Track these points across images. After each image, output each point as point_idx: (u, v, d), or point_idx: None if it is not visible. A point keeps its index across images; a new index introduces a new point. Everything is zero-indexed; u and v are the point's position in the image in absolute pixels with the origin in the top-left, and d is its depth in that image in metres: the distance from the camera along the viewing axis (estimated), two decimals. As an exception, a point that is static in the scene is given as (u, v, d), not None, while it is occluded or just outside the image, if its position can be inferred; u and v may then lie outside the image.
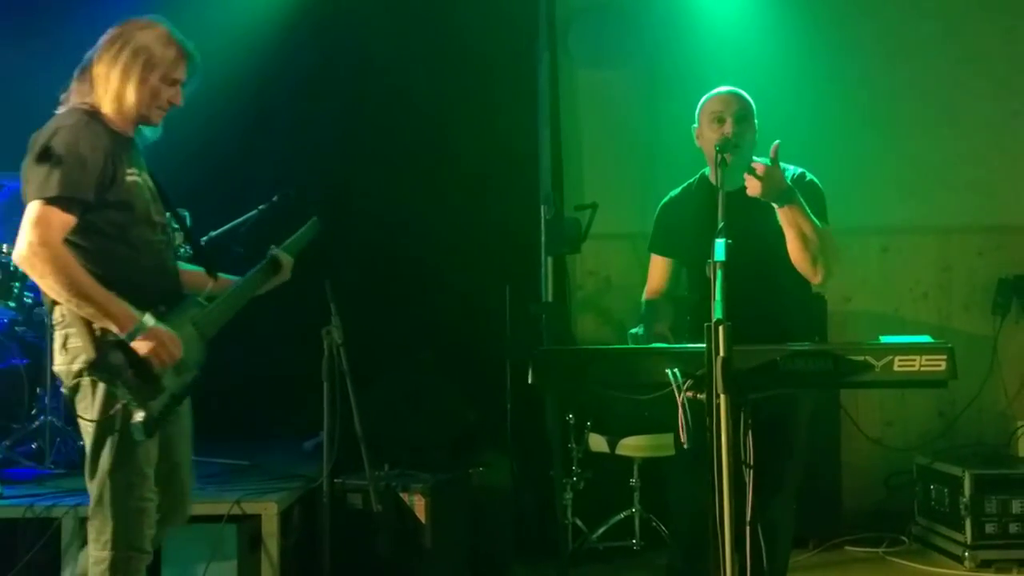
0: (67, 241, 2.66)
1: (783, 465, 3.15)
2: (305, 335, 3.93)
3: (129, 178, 2.77)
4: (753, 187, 2.93)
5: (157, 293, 2.76)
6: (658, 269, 3.42)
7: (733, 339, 2.34)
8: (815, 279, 3.11)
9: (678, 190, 3.41)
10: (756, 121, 3.24)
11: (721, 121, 3.16)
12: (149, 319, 2.63)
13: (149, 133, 2.93)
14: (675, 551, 3.47)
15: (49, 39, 5.17)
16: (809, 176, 3.26)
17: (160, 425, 2.67)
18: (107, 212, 2.71)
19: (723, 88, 3.26)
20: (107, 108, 2.79)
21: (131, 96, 2.78)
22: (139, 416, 2.57)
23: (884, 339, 2.51)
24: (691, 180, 3.40)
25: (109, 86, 2.78)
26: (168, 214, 2.96)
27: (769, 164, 2.96)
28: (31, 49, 5.17)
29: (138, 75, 2.78)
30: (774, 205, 3.00)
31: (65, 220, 2.63)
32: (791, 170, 3.28)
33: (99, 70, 2.80)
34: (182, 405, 2.86)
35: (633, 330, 3.13)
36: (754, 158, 3.26)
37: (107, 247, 2.72)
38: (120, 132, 2.82)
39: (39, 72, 5.13)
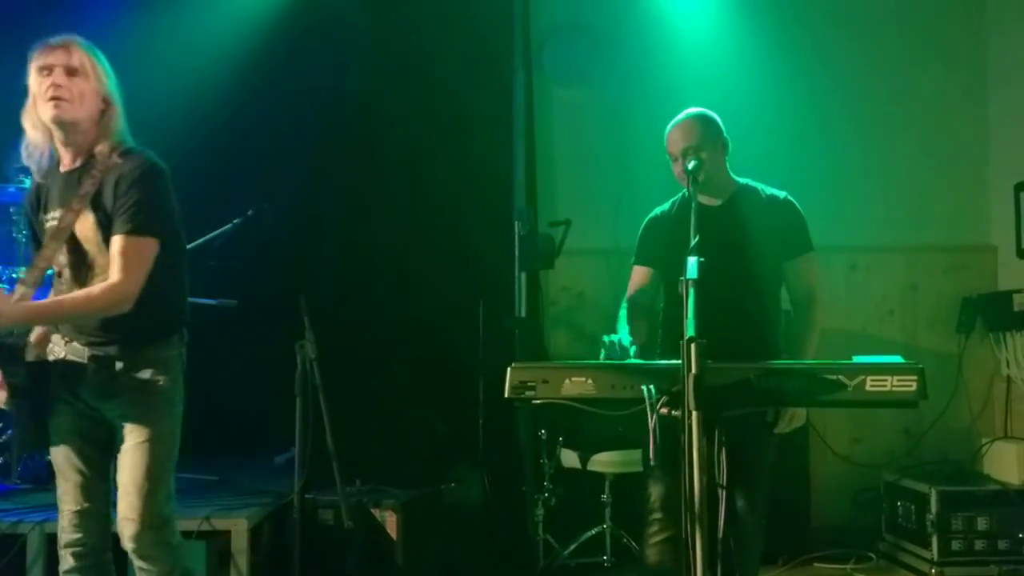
0: None
1: (752, 482, 3.17)
2: (278, 349, 3.91)
3: (47, 224, 2.91)
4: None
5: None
6: (638, 279, 3.46)
7: (707, 355, 2.36)
8: None
9: (665, 205, 3.46)
10: (725, 135, 3.30)
11: (676, 160, 3.25)
12: None
13: (119, 139, 2.90)
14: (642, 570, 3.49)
15: (23, 59, 5.15)
16: (790, 200, 3.34)
17: (27, 445, 3.11)
18: None
19: (678, 118, 3.31)
20: (23, 157, 2.94)
21: (28, 129, 2.90)
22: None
23: (856, 359, 2.53)
24: (675, 197, 3.45)
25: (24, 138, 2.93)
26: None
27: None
28: (6, 65, 5.14)
29: (28, 109, 2.90)
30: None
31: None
32: (773, 193, 3.34)
33: None
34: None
35: (607, 337, 3.15)
36: (738, 180, 3.32)
37: None
38: (40, 178, 2.96)
39: (11, 92, 5.15)
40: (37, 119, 2.86)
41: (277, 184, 5.27)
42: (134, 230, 2.77)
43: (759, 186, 3.38)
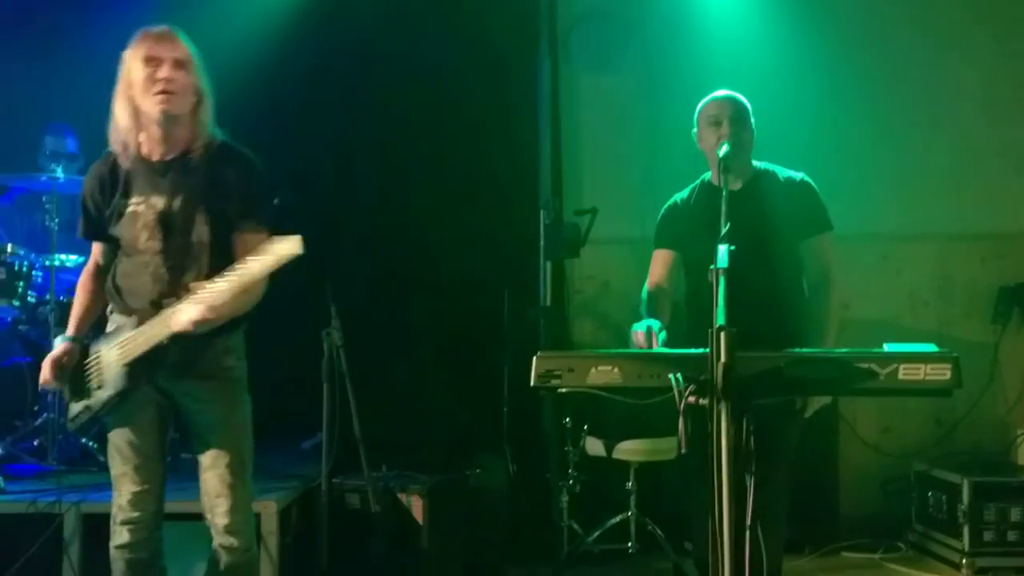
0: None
1: (775, 466, 3.16)
2: (305, 337, 3.94)
3: (125, 209, 2.94)
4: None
5: (138, 306, 2.94)
6: (660, 262, 3.46)
7: (744, 338, 2.35)
8: None
9: (683, 192, 3.49)
10: (753, 121, 3.33)
11: (718, 124, 3.27)
12: (59, 339, 3.04)
13: (209, 128, 2.95)
14: (698, 545, 3.49)
15: (55, 50, 5.22)
16: (807, 180, 3.35)
17: (82, 426, 3.07)
18: (114, 240, 3.02)
19: (719, 92, 3.37)
20: (112, 140, 2.96)
21: (121, 116, 2.91)
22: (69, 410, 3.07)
23: (888, 347, 2.51)
24: (694, 184, 3.46)
25: (113, 118, 2.95)
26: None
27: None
28: (37, 60, 5.21)
29: (121, 92, 2.91)
30: None
31: (94, 249, 3.13)
32: (790, 174, 3.33)
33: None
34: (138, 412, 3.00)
35: (636, 325, 3.14)
36: (755, 163, 3.32)
37: (118, 261, 3.05)
38: (127, 163, 2.95)
39: (45, 82, 5.21)
40: (133, 107, 2.88)
41: (304, 173, 5.28)
42: (261, 225, 2.92)
43: (776, 168, 3.39)
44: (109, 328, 3.02)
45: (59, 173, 4.58)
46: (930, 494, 4.95)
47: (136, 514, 2.99)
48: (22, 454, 4.40)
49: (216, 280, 2.68)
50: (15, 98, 5.27)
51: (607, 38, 5.59)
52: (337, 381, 3.79)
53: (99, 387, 2.95)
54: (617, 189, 5.50)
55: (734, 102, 3.32)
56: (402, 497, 4.06)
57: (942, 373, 2.42)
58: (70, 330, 3.04)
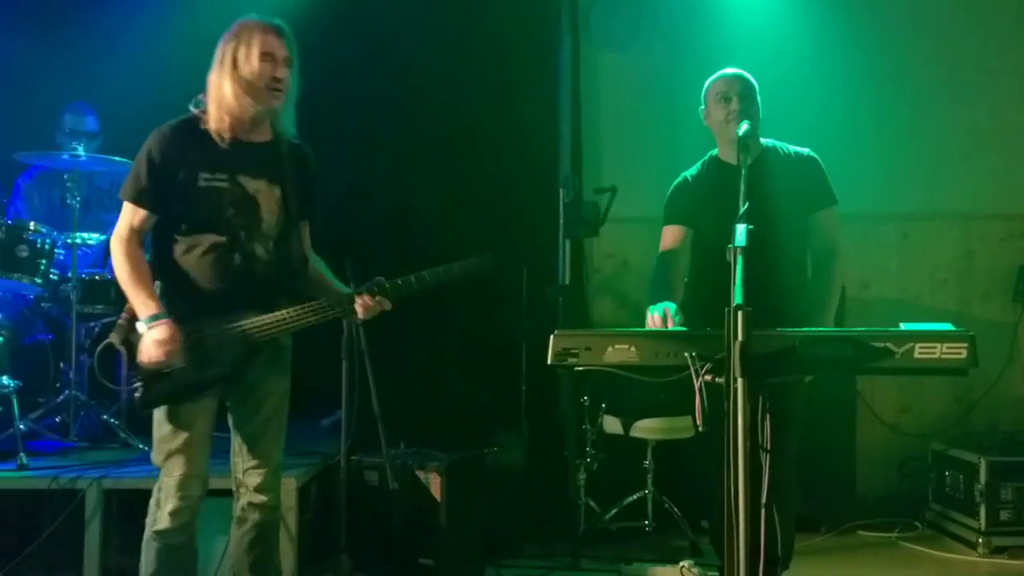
0: (158, 233, 2.99)
1: (783, 437, 3.16)
2: (325, 314, 3.95)
3: (203, 183, 2.91)
4: None
5: (212, 292, 2.94)
6: (669, 238, 3.47)
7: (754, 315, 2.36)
8: None
9: (692, 169, 3.50)
10: (759, 100, 3.35)
11: (727, 100, 3.30)
12: (147, 321, 2.87)
13: (287, 125, 3.06)
14: (714, 521, 3.51)
15: (72, 28, 5.25)
16: (813, 155, 3.38)
17: (159, 402, 2.96)
18: (174, 212, 2.94)
19: (727, 70, 3.39)
20: (212, 111, 2.94)
21: (227, 92, 2.91)
22: (137, 389, 2.94)
23: (905, 326, 2.51)
24: (701, 161, 3.46)
25: (212, 90, 2.94)
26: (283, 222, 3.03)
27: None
28: (55, 38, 5.24)
29: (228, 71, 2.91)
30: None
31: (134, 215, 2.94)
32: (797, 150, 3.37)
33: (210, 79, 2.96)
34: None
35: (652, 307, 3.14)
36: (761, 140, 3.30)
37: (174, 243, 2.96)
38: (215, 137, 2.93)
39: (62, 60, 5.23)
40: (240, 90, 2.90)
41: (323, 152, 5.28)
42: (316, 218, 3.16)
43: (781, 145, 3.40)
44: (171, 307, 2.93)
45: (81, 151, 4.61)
46: (947, 473, 4.95)
47: (185, 502, 2.99)
48: (44, 431, 4.42)
49: (406, 278, 3.03)
50: (33, 76, 5.31)
51: (627, 16, 5.56)
52: (356, 359, 3.81)
53: (200, 366, 2.92)
54: (637, 167, 5.48)
55: (743, 79, 3.34)
56: (420, 474, 4.08)
57: (958, 352, 2.41)
58: (156, 307, 2.87)
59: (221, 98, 2.92)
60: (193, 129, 2.95)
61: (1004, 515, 4.62)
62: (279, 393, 3.16)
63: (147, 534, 3.04)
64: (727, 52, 4.89)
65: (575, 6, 5.53)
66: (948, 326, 2.51)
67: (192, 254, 2.94)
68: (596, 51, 5.61)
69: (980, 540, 4.62)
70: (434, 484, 4.06)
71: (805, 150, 3.40)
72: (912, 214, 5.48)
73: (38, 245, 4.42)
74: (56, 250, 4.52)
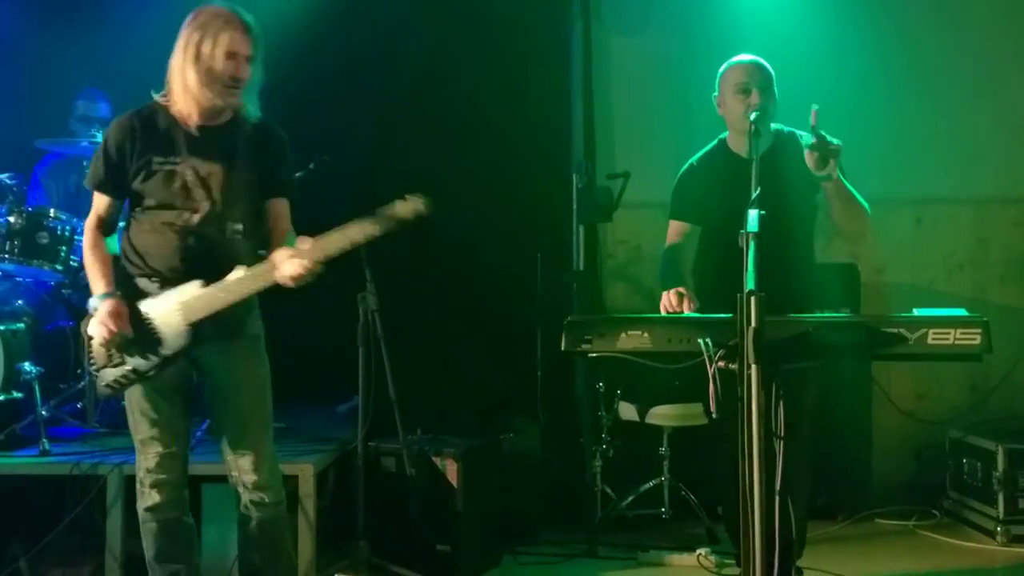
0: (128, 216, 3.10)
1: (795, 421, 3.17)
2: (341, 301, 3.98)
3: (155, 167, 2.99)
4: (812, 161, 3.02)
5: (167, 273, 3.00)
6: (674, 234, 3.46)
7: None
8: (860, 242, 3.17)
9: (697, 157, 3.45)
10: (774, 81, 3.30)
11: (747, 92, 3.24)
12: (97, 299, 2.97)
13: (249, 109, 3.06)
14: (728, 508, 3.51)
15: (89, 15, 5.26)
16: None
17: (117, 390, 3.06)
18: (134, 196, 3.05)
19: (744, 57, 3.32)
20: (175, 98, 2.99)
21: (190, 80, 2.95)
22: (100, 376, 3.06)
23: (918, 312, 2.50)
24: (710, 146, 3.43)
25: (174, 75, 2.98)
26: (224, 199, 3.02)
27: (815, 139, 3.00)
28: (72, 25, 5.26)
29: (191, 59, 2.94)
30: (822, 175, 3.04)
31: (98, 202, 3.10)
32: (806, 135, 3.29)
33: (172, 63, 3.00)
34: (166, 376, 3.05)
35: (665, 288, 3.15)
36: (778, 126, 3.28)
37: (134, 225, 3.08)
38: (173, 121, 3.00)
39: (79, 47, 5.25)
40: (197, 80, 2.94)
41: (337, 139, 5.31)
42: (288, 195, 3.15)
43: (790, 130, 3.35)
44: (124, 290, 3.02)
45: (99, 138, 4.63)
46: (964, 461, 4.93)
47: (164, 476, 3.06)
48: (65, 417, 4.48)
49: (325, 235, 2.86)
50: (50, 63, 5.33)
51: (639, 0, 5.54)
52: (372, 345, 3.82)
53: (153, 347, 2.98)
54: (650, 152, 5.45)
55: (762, 70, 3.27)
56: (437, 461, 4.10)
57: (972, 338, 2.41)
58: (105, 287, 3.00)
59: (186, 84, 2.97)
60: (150, 115, 3.03)
61: (1022, 503, 4.59)
62: (255, 382, 3.14)
63: (140, 516, 3.12)
64: (739, 36, 4.88)
65: (587, -10, 5.51)
66: (962, 311, 2.50)
67: (149, 236, 3.02)
68: (608, 35, 5.58)
69: (999, 528, 4.59)
70: (451, 470, 4.09)
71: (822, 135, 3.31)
72: (926, 199, 5.44)
73: (58, 232, 4.45)
74: (76, 236, 4.55)
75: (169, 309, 2.97)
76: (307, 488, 3.85)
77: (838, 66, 5.19)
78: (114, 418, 4.51)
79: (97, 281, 3.02)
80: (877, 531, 4.83)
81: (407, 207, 2.88)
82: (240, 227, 3.02)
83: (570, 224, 4.95)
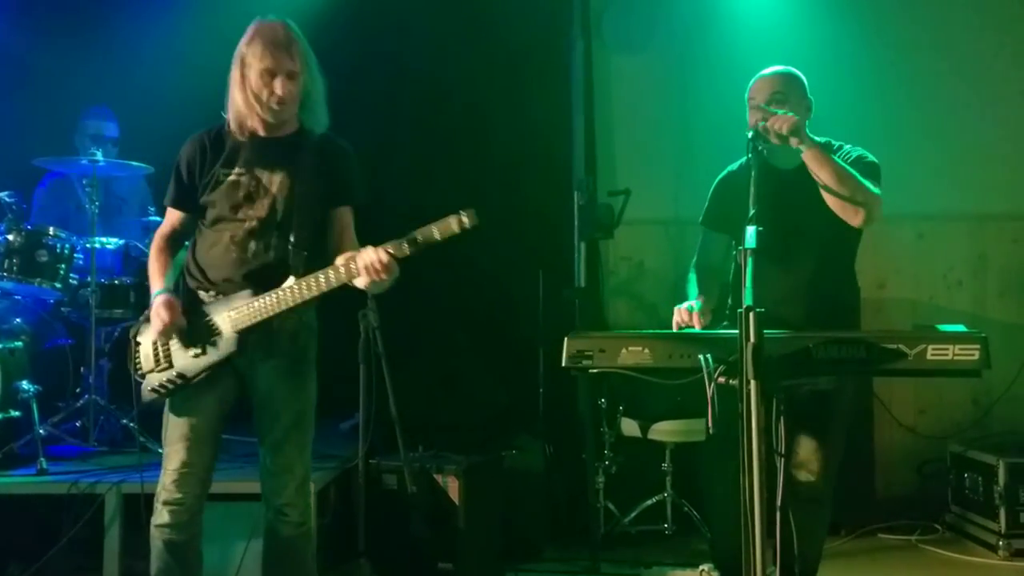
0: (196, 234, 3.13)
1: (821, 448, 3.16)
2: (342, 318, 3.97)
3: (221, 177, 3.02)
4: (778, 124, 2.97)
5: (220, 279, 3.02)
6: (708, 242, 3.43)
7: (766, 325, 2.36)
8: (856, 220, 3.07)
9: (736, 165, 3.40)
10: (805, 92, 3.24)
11: (754, 110, 3.20)
12: (157, 294, 2.99)
13: (313, 121, 3.10)
14: (716, 534, 3.50)
15: (91, 34, 5.28)
16: (864, 155, 3.25)
17: (163, 395, 3.03)
18: (202, 208, 3.06)
19: (766, 70, 3.27)
20: (230, 113, 3.04)
21: (238, 99, 3.00)
22: (146, 381, 3.06)
23: (916, 327, 2.51)
24: (749, 155, 3.40)
25: (229, 92, 3.03)
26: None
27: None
28: (73, 44, 5.28)
29: (238, 79, 3.00)
30: (801, 148, 3.00)
31: (171, 216, 3.15)
32: (847, 151, 3.24)
33: (229, 79, 3.04)
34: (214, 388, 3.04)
35: (679, 305, 3.14)
36: (821, 139, 3.23)
37: (198, 241, 3.11)
38: (237, 137, 3.03)
39: (81, 66, 5.28)
40: (248, 99, 2.98)
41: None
42: (358, 205, 3.18)
43: (835, 143, 3.28)
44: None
45: (99, 156, 4.64)
46: (966, 476, 4.92)
47: (179, 495, 3.03)
48: (64, 435, 4.46)
49: (395, 243, 2.91)
50: (54, 81, 5.36)
51: (639, 18, 5.56)
52: (373, 362, 3.81)
53: (200, 353, 2.99)
54: (650, 169, 5.49)
55: (775, 80, 3.21)
56: (438, 478, 4.09)
57: (970, 354, 2.41)
58: (161, 285, 3.02)
59: (233, 103, 3.02)
60: (219, 131, 3.08)
61: (1024, 517, 4.59)
62: (301, 402, 3.15)
63: (151, 530, 3.09)
64: (739, 54, 4.92)
65: (587, 9, 5.54)
66: (961, 327, 2.51)
67: (211, 248, 3.04)
68: (608, 54, 5.62)
69: (1000, 543, 4.59)
70: (452, 487, 4.07)
71: (857, 150, 3.24)
72: (926, 214, 5.45)
73: (58, 250, 4.46)
74: (75, 255, 4.56)
75: (219, 317, 2.98)
76: (308, 506, 3.83)
77: (838, 84, 5.19)
78: (113, 436, 4.52)
79: (156, 281, 3.05)
80: (880, 546, 4.82)
81: (453, 221, 3.02)
82: (299, 238, 3.02)
83: (572, 241, 4.96)
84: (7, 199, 4.52)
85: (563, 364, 2.68)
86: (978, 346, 2.42)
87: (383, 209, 5.40)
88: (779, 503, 2.68)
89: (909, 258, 5.47)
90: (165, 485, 3.04)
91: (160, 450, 4.25)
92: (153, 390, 3.05)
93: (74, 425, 4.55)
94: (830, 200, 3.05)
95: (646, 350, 2.60)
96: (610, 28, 5.58)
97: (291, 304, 2.95)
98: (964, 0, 5.49)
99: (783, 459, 2.71)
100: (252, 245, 3.00)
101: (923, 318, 5.16)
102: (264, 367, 3.06)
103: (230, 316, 2.97)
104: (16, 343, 4.39)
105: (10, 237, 4.39)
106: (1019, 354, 5.28)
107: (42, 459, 4.03)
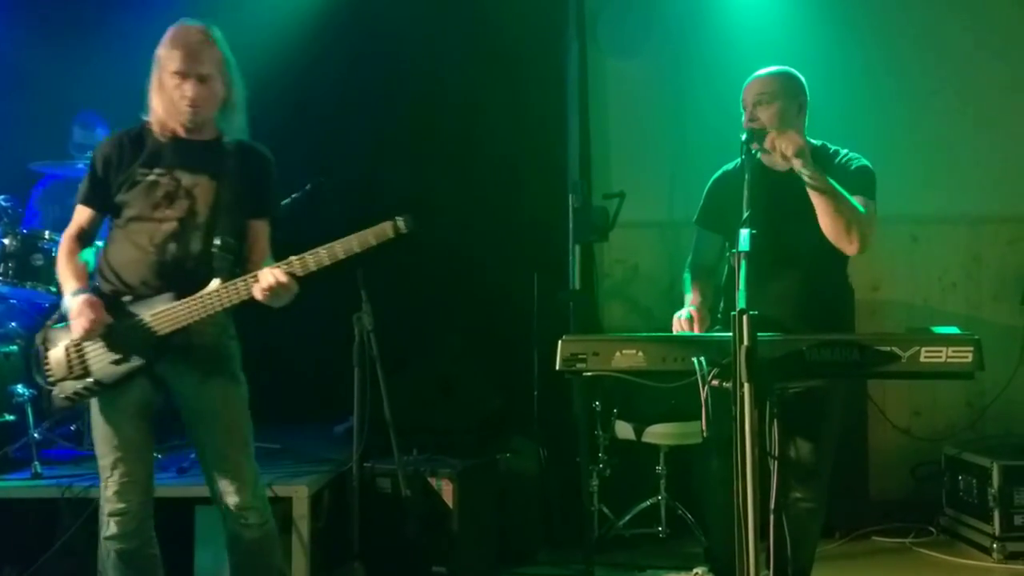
0: (108, 235, 3.09)
1: (815, 451, 3.16)
2: (337, 321, 3.98)
3: (139, 177, 2.99)
4: (783, 144, 2.96)
5: (137, 281, 2.96)
6: (702, 242, 3.43)
7: (759, 327, 2.36)
8: (850, 249, 3.07)
9: (731, 165, 3.39)
10: (799, 91, 3.24)
11: (745, 108, 3.22)
12: (71, 296, 2.92)
13: (231, 129, 3.07)
14: (712, 537, 3.50)
15: (87, 38, 5.28)
16: (863, 165, 3.24)
17: (76, 402, 2.99)
18: (116, 209, 3.04)
19: (759, 71, 3.27)
20: (151, 117, 3.04)
21: (155, 101, 3.01)
22: (59, 388, 2.99)
23: (910, 330, 2.51)
24: (743, 157, 3.40)
25: (150, 98, 3.03)
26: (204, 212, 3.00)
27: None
28: (69, 48, 5.28)
29: (155, 81, 3.00)
30: (802, 172, 2.99)
31: (80, 215, 3.09)
32: (847, 158, 3.25)
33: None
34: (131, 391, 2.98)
35: (677, 314, 3.14)
36: (817, 141, 3.25)
37: (110, 242, 3.06)
38: (158, 138, 3.01)
39: (77, 70, 5.27)
40: (167, 102, 2.98)
41: (335, 159, 5.33)
42: (271, 217, 3.12)
43: (832, 147, 3.28)
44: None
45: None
46: (960, 478, 4.93)
47: (122, 505, 2.98)
48: (58, 439, 4.46)
49: (313, 252, 2.84)
50: (50, 85, 5.35)
51: (634, 22, 5.57)
52: (368, 365, 3.82)
53: (118, 359, 2.92)
54: (645, 172, 5.49)
55: (763, 82, 3.21)
56: (432, 481, 4.10)
57: (964, 356, 2.41)
58: (77, 285, 2.96)
59: (152, 105, 3.01)
60: (139, 132, 3.06)
61: (1019, 520, 4.58)
62: (232, 403, 3.07)
63: (101, 543, 3.04)
64: (734, 57, 4.92)
65: (582, 13, 5.54)
66: (954, 329, 2.51)
67: (126, 250, 2.99)
68: (603, 57, 5.62)
69: (995, 545, 4.59)
70: (446, 491, 4.08)
71: (856, 160, 3.24)
72: (921, 217, 5.46)
73: (53, 254, 4.44)
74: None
75: (138, 322, 2.91)
76: (302, 509, 3.83)
77: (831, 87, 5.17)
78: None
79: (69, 282, 2.97)
80: (874, 549, 4.82)
81: (388, 227, 2.89)
82: (221, 242, 2.96)
83: (566, 243, 4.96)
84: (3, 203, 4.52)
85: (557, 367, 2.69)
86: (972, 348, 2.42)
87: (379, 211, 5.44)
88: (772, 506, 2.68)
89: (903, 260, 5.48)
90: (108, 497, 3.00)
91: (155, 455, 4.29)
92: (67, 398, 2.98)
93: (68, 429, 4.55)
94: (825, 227, 3.03)
95: (640, 353, 2.60)
96: (605, 31, 5.58)
97: (216, 309, 2.90)
98: (958, 1, 5.48)
99: (776, 462, 2.71)
100: (171, 247, 2.95)
101: (917, 320, 5.16)
102: (188, 374, 3.00)
103: (151, 320, 2.91)
104: (11, 347, 4.39)
105: (6, 241, 4.39)
106: (1013, 356, 5.29)
107: (36, 463, 4.03)
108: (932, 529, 5.01)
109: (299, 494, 3.84)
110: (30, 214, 5.07)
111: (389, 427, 3.85)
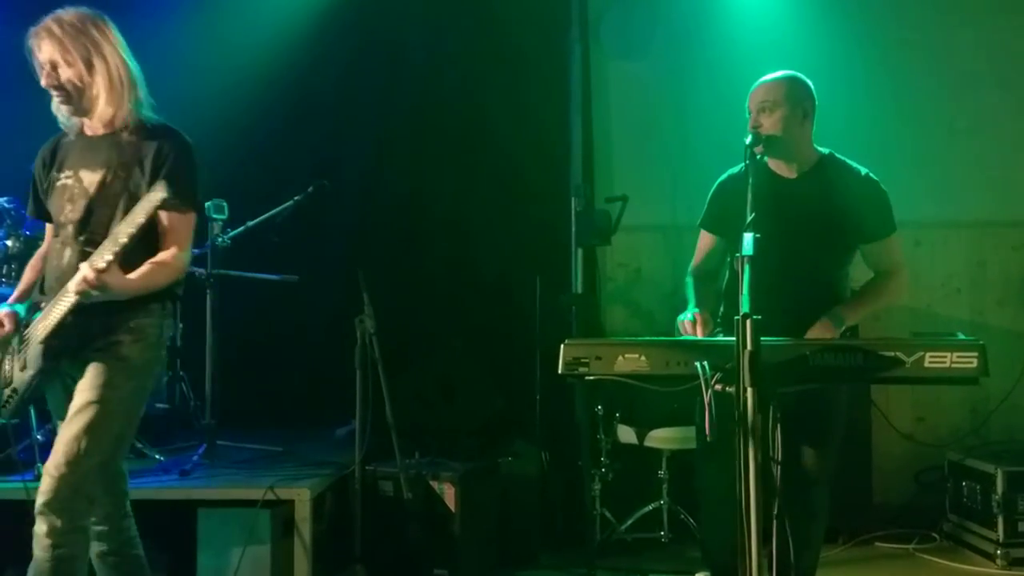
0: None
1: (819, 457, 3.16)
2: (339, 324, 3.98)
3: (57, 183, 2.97)
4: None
5: (49, 286, 2.94)
6: (704, 244, 3.42)
7: (763, 332, 2.35)
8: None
9: (737, 168, 3.36)
10: (805, 96, 3.23)
11: (749, 114, 3.21)
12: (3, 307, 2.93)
13: (137, 111, 2.94)
14: (709, 541, 3.49)
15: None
16: (872, 178, 3.26)
17: (14, 411, 2.96)
18: (50, 220, 3.02)
19: (765, 77, 3.26)
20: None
21: (53, 106, 3.01)
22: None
23: (916, 335, 2.51)
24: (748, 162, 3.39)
25: None
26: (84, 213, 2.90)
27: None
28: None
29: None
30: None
31: (48, 230, 3.07)
32: (856, 168, 3.25)
33: None
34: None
35: (681, 316, 3.13)
36: (819, 148, 3.24)
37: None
38: (69, 139, 3.00)
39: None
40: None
41: (337, 162, 5.34)
42: (183, 203, 2.82)
43: (841, 159, 3.28)
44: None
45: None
46: (964, 484, 4.91)
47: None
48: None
49: (97, 254, 2.66)
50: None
51: (638, 24, 5.56)
52: (370, 368, 3.82)
53: (23, 368, 2.89)
54: (648, 176, 5.48)
55: (767, 88, 3.20)
56: (434, 484, 4.09)
57: (968, 361, 2.41)
58: (11, 299, 3.00)
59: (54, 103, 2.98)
60: (57, 139, 3.05)
61: (1022, 526, 4.57)
62: (90, 405, 2.79)
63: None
64: (737, 60, 4.92)
65: (585, 15, 5.54)
66: (959, 335, 2.51)
67: (49, 256, 3.00)
68: (606, 60, 5.62)
69: (998, 552, 4.57)
70: (448, 494, 4.07)
71: (864, 170, 3.25)
72: (924, 222, 5.44)
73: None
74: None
75: (34, 327, 2.89)
76: (303, 513, 3.83)
77: (835, 91, 5.15)
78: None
79: (13, 295, 3.03)
80: (877, 554, 4.81)
81: (153, 195, 2.62)
82: (89, 239, 2.84)
83: (569, 247, 4.96)
84: (6, 205, 4.52)
85: (559, 371, 2.68)
86: (976, 354, 2.42)
87: (382, 217, 5.45)
88: (775, 511, 2.67)
89: (907, 265, 5.44)
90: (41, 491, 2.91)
91: (157, 456, 4.31)
92: (2, 406, 2.97)
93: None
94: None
95: (643, 357, 2.59)
96: (608, 33, 5.58)
97: (65, 308, 2.74)
98: (962, 8, 5.48)
99: (779, 467, 2.70)
100: (68, 251, 2.89)
101: (921, 326, 5.15)
102: (80, 369, 2.85)
103: (40, 324, 2.87)
104: (13, 348, 4.37)
105: (9, 243, 4.39)
106: (1018, 362, 5.27)
107: (40, 464, 4.01)
108: (935, 535, 4.99)
109: (301, 497, 3.84)
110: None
111: (391, 430, 3.85)
